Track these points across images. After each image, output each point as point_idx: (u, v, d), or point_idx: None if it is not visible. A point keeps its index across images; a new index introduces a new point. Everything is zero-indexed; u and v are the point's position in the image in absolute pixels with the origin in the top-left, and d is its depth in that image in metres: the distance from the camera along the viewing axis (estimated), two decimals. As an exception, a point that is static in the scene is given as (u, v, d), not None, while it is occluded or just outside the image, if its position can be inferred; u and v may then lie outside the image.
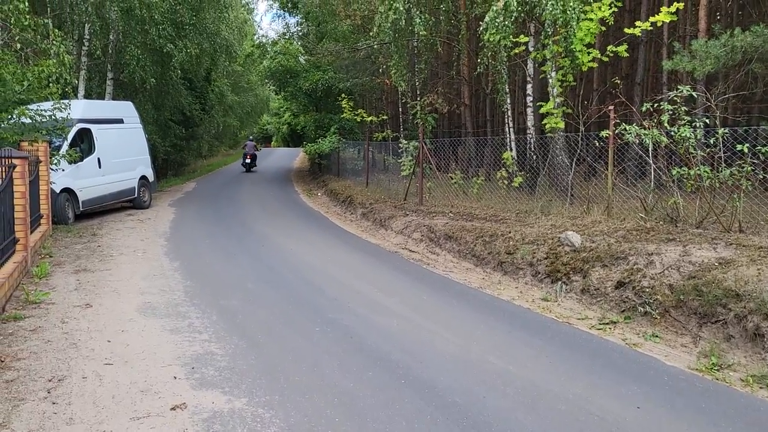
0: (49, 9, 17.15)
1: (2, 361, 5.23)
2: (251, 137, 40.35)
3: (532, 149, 14.67)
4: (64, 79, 12.37)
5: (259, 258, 10.34)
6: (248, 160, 33.99)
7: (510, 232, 9.81)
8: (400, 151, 17.28)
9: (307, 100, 30.10)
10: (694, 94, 8.55)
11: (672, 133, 8.35)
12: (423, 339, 6.13)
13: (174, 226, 14.04)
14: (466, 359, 5.56)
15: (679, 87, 8.67)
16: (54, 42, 12.08)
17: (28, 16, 11.10)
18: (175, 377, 5.00)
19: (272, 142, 78.52)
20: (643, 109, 8.89)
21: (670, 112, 8.39)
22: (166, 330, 6.26)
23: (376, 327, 6.51)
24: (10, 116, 11.37)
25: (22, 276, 8.27)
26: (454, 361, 5.49)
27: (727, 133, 8.04)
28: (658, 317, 6.60)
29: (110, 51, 20.12)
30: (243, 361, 5.38)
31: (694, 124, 8.24)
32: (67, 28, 17.66)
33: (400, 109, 24.84)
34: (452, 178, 14.81)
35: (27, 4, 11.14)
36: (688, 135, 8.08)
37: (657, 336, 6.37)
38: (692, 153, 8.23)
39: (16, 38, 11.49)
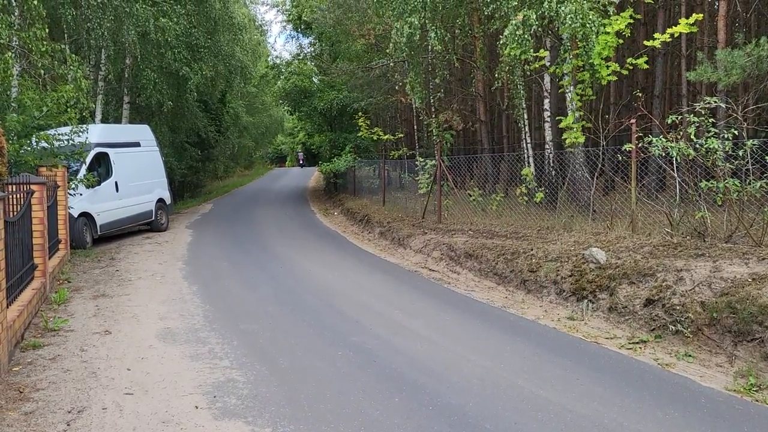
0: (66, 35, 17.33)
1: (21, 392, 5.13)
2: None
3: (551, 164, 14.50)
4: (81, 103, 12.43)
5: (277, 280, 10.23)
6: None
7: (532, 250, 9.64)
8: (416, 168, 17.18)
9: (321, 120, 30.12)
10: (722, 105, 8.36)
11: (698, 146, 8.16)
12: (449, 362, 5.96)
13: (191, 248, 14.00)
14: (494, 383, 5.39)
15: (705, 98, 8.50)
16: (71, 67, 12.15)
17: (45, 42, 11.16)
18: (196, 407, 4.87)
19: (287, 162, 78.90)
20: (669, 121, 8.71)
21: (697, 124, 8.21)
22: (187, 357, 6.15)
23: (400, 350, 6.36)
24: (29, 142, 11.42)
25: (40, 303, 8.22)
26: (482, 385, 5.32)
27: (755, 144, 7.84)
28: (691, 336, 6.39)
29: (126, 75, 20.28)
30: (265, 389, 5.24)
31: (721, 135, 8.06)
32: (84, 53, 17.82)
33: (415, 127, 24.77)
34: (470, 195, 14.66)
35: (46, 30, 11.22)
36: (715, 147, 7.89)
37: (690, 355, 6.16)
38: (720, 165, 8.04)
39: (39, 65, 11.56)
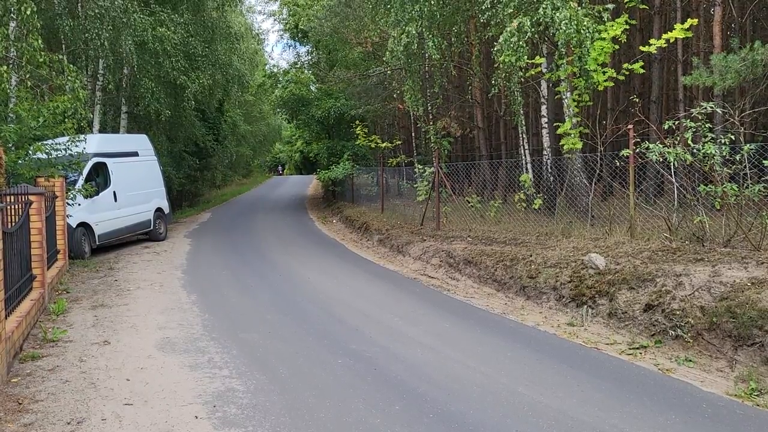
0: (63, 45, 17.35)
1: (20, 404, 5.11)
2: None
3: (549, 170, 14.52)
4: (79, 113, 12.42)
5: (276, 288, 10.22)
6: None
7: (531, 256, 9.63)
8: (414, 176, 17.20)
9: (319, 128, 30.18)
10: (719, 110, 8.38)
11: (695, 151, 8.18)
12: (449, 369, 5.95)
13: (190, 257, 13.97)
14: (494, 390, 5.37)
15: (702, 103, 8.53)
16: (69, 78, 12.15)
17: (43, 53, 11.17)
18: (196, 417, 4.85)
19: (284, 170, 79.42)
20: (666, 126, 8.74)
21: (694, 130, 8.23)
22: (186, 366, 6.13)
23: (400, 358, 6.34)
24: (26, 153, 11.41)
25: (39, 313, 8.19)
26: (483, 392, 5.31)
27: (752, 148, 7.86)
28: (691, 341, 6.39)
29: (124, 85, 20.30)
30: (265, 398, 5.23)
31: (718, 140, 8.07)
32: (82, 63, 17.83)
33: (413, 134, 24.82)
34: (469, 202, 14.67)
35: (41, 41, 11.22)
36: (713, 152, 7.90)
37: (690, 360, 6.15)
38: (717, 170, 8.05)
39: (27, 76, 11.56)
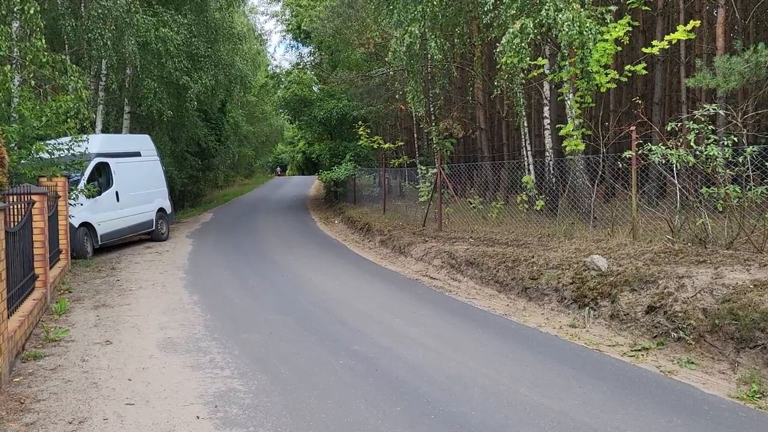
0: (66, 45, 17.37)
1: (22, 403, 5.12)
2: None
3: (551, 172, 14.51)
4: (81, 114, 12.44)
5: (278, 289, 10.22)
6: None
7: (533, 257, 9.62)
8: (417, 177, 17.20)
9: (321, 129, 30.16)
10: (722, 112, 8.36)
11: (698, 153, 8.17)
12: (450, 370, 5.95)
13: (192, 258, 13.98)
14: (496, 391, 5.37)
15: (705, 105, 8.52)
16: (72, 78, 12.17)
17: (46, 53, 11.19)
18: (198, 417, 4.86)
19: (287, 171, 79.64)
20: (668, 128, 8.73)
21: (696, 131, 8.21)
22: (188, 366, 6.14)
23: (402, 358, 6.34)
24: (29, 152, 11.43)
25: (41, 313, 8.20)
26: (485, 394, 5.30)
27: (755, 150, 7.85)
28: (693, 343, 6.37)
29: (127, 85, 20.32)
30: (267, 398, 5.23)
31: (721, 142, 8.06)
32: (85, 63, 17.85)
33: (415, 135, 24.81)
34: (471, 203, 14.66)
35: (44, 41, 11.24)
36: (715, 154, 7.89)
37: (692, 362, 6.14)
38: (720, 172, 8.04)
39: (30, 76, 11.58)
